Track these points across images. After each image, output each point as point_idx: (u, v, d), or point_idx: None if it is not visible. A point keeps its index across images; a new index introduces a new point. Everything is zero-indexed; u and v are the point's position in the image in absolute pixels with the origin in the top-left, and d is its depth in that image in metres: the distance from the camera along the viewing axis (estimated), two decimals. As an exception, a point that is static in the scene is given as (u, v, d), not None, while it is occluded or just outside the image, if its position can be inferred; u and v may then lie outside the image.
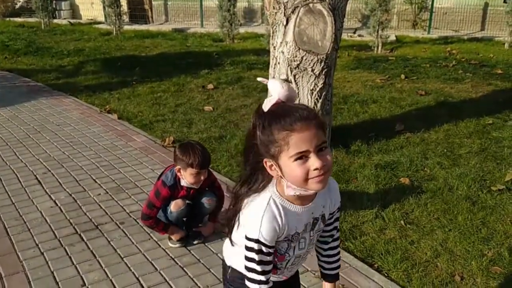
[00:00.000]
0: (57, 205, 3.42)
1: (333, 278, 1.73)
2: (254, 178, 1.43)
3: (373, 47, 9.75)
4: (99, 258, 2.78)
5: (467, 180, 3.74)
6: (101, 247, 2.90)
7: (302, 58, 4.00)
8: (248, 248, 1.42)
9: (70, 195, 3.57)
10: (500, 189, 3.59)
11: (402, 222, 3.18)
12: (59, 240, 2.96)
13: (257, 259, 1.41)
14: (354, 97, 6.16)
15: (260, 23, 13.60)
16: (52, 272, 2.64)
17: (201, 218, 3.03)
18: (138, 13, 14.51)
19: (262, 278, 1.44)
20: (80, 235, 3.03)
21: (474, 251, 2.85)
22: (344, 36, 9.89)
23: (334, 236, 1.66)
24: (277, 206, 1.39)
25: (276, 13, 4.08)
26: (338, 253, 1.71)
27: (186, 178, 2.73)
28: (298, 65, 4.03)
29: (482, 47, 9.86)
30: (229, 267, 1.63)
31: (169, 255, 2.82)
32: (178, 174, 2.76)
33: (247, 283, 1.46)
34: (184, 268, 2.69)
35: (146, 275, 2.63)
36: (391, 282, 2.60)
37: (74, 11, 15.87)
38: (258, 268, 1.42)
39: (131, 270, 2.67)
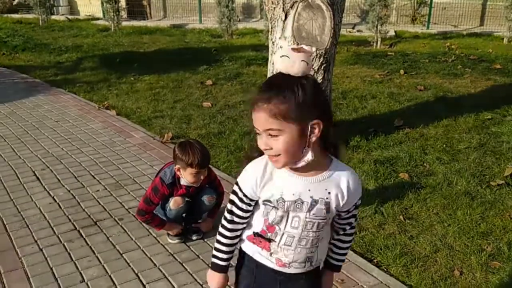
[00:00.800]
0: (55, 201, 3.41)
1: (334, 268, 1.66)
2: None
3: (372, 42, 9.73)
4: (98, 254, 2.77)
5: (466, 175, 3.74)
6: (100, 243, 2.89)
7: (301, 53, 3.98)
8: (232, 191, 1.50)
9: (69, 191, 3.57)
10: (499, 184, 3.59)
11: (401, 217, 3.18)
12: (58, 237, 2.95)
13: (235, 201, 1.49)
14: (353, 92, 6.15)
15: (259, 18, 13.56)
16: (51, 268, 2.64)
17: (200, 215, 3.03)
18: (136, 9, 14.46)
19: (228, 225, 1.52)
20: (79, 231, 3.02)
21: (473, 246, 2.85)
22: (343, 31, 9.89)
23: (352, 224, 1.59)
24: (266, 163, 1.43)
25: (274, 8, 4.06)
26: (350, 242, 1.63)
27: (186, 177, 2.73)
28: (297, 61, 4.02)
29: (481, 42, 9.86)
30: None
31: (168, 251, 2.81)
32: (178, 173, 2.75)
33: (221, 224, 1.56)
34: (183, 264, 2.69)
35: (145, 271, 2.62)
36: (391, 277, 2.59)
37: (72, 7, 15.81)
38: (234, 210, 1.50)
39: (130, 266, 2.67)
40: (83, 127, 5.04)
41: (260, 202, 1.47)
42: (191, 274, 2.60)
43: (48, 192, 3.54)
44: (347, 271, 2.63)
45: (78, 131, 4.91)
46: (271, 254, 1.50)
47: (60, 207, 3.32)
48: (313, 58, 3.99)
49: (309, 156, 1.36)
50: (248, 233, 1.54)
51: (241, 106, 5.69)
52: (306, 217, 1.44)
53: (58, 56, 8.94)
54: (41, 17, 13.08)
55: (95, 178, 3.81)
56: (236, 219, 1.51)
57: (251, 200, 1.47)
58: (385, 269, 2.68)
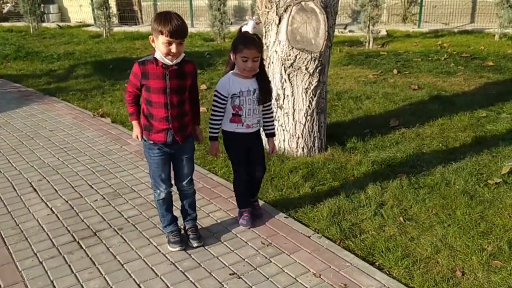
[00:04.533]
0: (53, 212, 3.38)
1: (271, 135, 3.18)
2: (229, 64, 2.98)
3: (364, 42, 9.76)
4: (98, 266, 2.75)
5: (464, 174, 3.75)
6: (100, 254, 2.87)
7: (296, 57, 3.99)
8: (214, 96, 2.95)
9: (67, 202, 3.54)
10: (497, 182, 3.61)
11: (401, 218, 3.18)
12: (58, 249, 2.93)
13: (218, 100, 2.93)
14: (347, 93, 6.16)
15: (251, 21, 13.55)
16: (52, 282, 2.61)
17: (193, 212, 3.01)
18: (128, 15, 14.40)
19: (217, 116, 2.97)
20: (78, 242, 3.00)
21: (474, 245, 2.85)
22: (335, 32, 9.90)
23: (267, 113, 3.12)
24: (229, 77, 2.94)
25: (268, 12, 4.06)
26: (271, 121, 3.16)
27: (159, 47, 2.58)
28: (292, 64, 4.02)
29: (472, 40, 9.91)
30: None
31: (169, 260, 2.80)
32: (152, 44, 2.62)
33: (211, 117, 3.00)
34: (185, 273, 2.67)
35: (147, 281, 2.61)
36: (393, 280, 2.59)
37: (63, 14, 15.72)
38: (218, 105, 2.94)
39: (131, 276, 2.65)
40: (78, 135, 5.01)
41: (229, 96, 2.91)
42: (194, 283, 2.58)
43: (46, 204, 3.52)
44: (349, 275, 2.63)
45: (73, 140, 4.89)
46: (242, 123, 2.96)
47: (59, 218, 3.30)
48: (308, 61, 3.99)
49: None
50: (228, 118, 2.97)
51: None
52: (253, 99, 2.94)
53: (50, 64, 8.89)
54: (31, 25, 13.00)
55: (92, 187, 3.78)
56: (220, 110, 2.95)
57: (225, 97, 2.91)
58: (387, 272, 2.68)
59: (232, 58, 2.93)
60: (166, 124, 2.70)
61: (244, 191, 3.21)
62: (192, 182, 2.94)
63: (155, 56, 2.62)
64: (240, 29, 2.95)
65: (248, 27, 2.89)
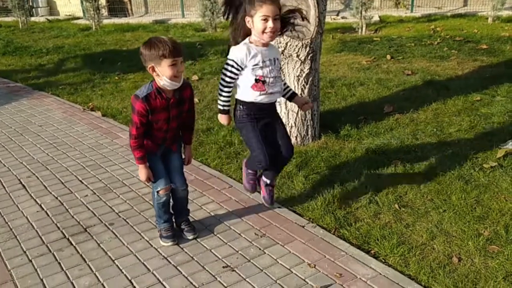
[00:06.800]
0: (43, 209, 3.32)
1: (295, 95, 2.98)
2: (239, 29, 2.68)
3: (357, 28, 9.68)
4: (89, 262, 2.70)
5: (459, 159, 3.71)
6: (91, 250, 2.81)
7: (286, 44, 3.91)
8: (226, 64, 2.66)
9: (56, 198, 3.47)
10: (493, 166, 3.56)
11: (396, 205, 3.14)
12: (47, 246, 2.87)
13: (231, 69, 2.64)
14: (341, 80, 6.10)
15: (242, 10, 13.41)
16: (42, 280, 2.56)
17: (185, 209, 2.96)
18: (117, 6, 14.21)
19: (225, 87, 2.70)
20: (68, 239, 2.94)
21: (470, 231, 2.81)
22: (327, 18, 9.78)
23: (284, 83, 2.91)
24: (247, 44, 2.64)
25: (257, -1, 3.97)
26: (287, 88, 2.96)
27: (164, 74, 2.48)
28: (282, 52, 3.95)
29: (466, 23, 9.84)
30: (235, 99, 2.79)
31: (161, 254, 2.75)
32: (153, 74, 2.51)
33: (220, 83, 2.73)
34: (178, 267, 2.62)
35: (139, 276, 2.56)
36: (389, 268, 2.55)
37: (51, 8, 15.49)
38: (229, 75, 2.66)
39: (123, 272, 2.60)
40: (68, 130, 4.93)
41: (250, 67, 2.63)
42: (186, 277, 2.54)
43: (35, 200, 3.45)
44: (344, 264, 2.59)
45: (63, 135, 4.81)
46: (266, 91, 2.69)
47: (48, 215, 3.23)
48: (299, 48, 3.91)
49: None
50: (248, 85, 2.67)
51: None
52: (272, 68, 2.68)
53: (39, 59, 8.75)
54: (20, 20, 12.80)
55: (83, 182, 3.72)
56: (231, 80, 2.67)
57: (241, 68, 2.64)
58: (383, 260, 2.64)
59: (247, 22, 2.58)
60: (160, 141, 2.77)
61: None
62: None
63: (158, 86, 2.56)
64: None
65: None
